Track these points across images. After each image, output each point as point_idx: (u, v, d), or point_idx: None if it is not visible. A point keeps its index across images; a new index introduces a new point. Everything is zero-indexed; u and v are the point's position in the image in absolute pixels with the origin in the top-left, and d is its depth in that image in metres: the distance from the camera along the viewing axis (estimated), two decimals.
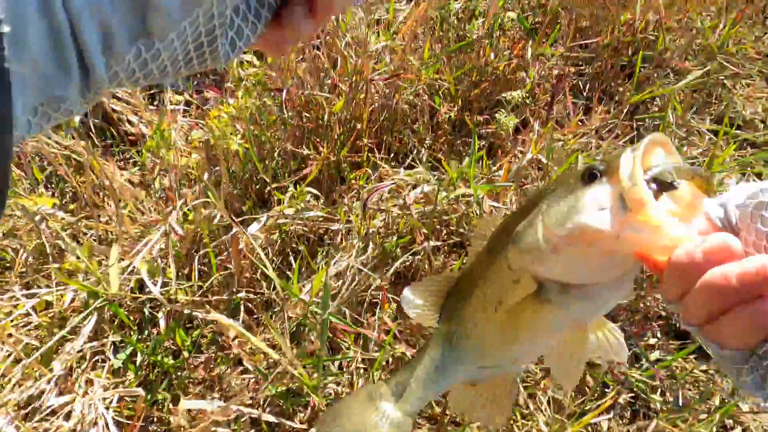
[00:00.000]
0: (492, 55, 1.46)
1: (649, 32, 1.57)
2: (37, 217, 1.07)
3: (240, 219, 1.15)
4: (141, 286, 1.14)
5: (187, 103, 1.46)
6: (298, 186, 1.18)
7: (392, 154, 1.43)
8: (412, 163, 1.37)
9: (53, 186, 1.30)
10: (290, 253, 1.26)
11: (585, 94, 1.63)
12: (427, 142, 1.44)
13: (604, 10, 1.60)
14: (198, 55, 0.33)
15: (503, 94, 1.31)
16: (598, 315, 0.51)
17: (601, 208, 0.41)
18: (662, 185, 0.40)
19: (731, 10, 1.64)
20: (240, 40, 0.35)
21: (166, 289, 1.07)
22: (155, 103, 1.51)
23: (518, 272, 0.50)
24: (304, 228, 1.22)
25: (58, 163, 1.13)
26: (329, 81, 1.37)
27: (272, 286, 1.12)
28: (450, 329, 0.62)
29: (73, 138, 1.16)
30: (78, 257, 1.04)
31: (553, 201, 0.46)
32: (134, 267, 1.03)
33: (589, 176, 0.43)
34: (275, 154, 1.36)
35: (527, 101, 1.31)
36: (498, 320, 0.54)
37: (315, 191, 1.23)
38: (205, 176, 1.05)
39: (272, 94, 1.27)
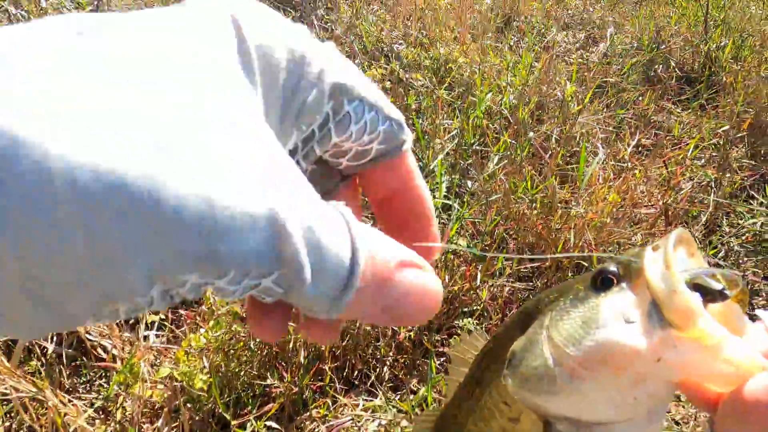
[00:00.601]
0: (446, 278, 1.61)
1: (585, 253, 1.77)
2: None
3: None
4: None
5: (161, 325, 1.54)
6: (258, 421, 1.21)
7: (355, 373, 1.48)
8: (372, 389, 1.42)
9: (12, 416, 1.30)
10: None
11: None
12: (388, 360, 1.51)
13: (544, 232, 1.82)
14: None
15: (456, 321, 1.42)
16: None
17: (628, 321, 0.33)
18: (709, 293, 0.31)
19: (656, 233, 1.88)
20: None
21: None
22: (130, 322, 1.58)
23: (516, 407, 0.40)
24: None
25: (21, 405, 1.15)
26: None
27: None
28: None
29: (40, 375, 1.19)
30: None
31: (560, 312, 0.36)
32: None
33: (602, 281, 0.35)
34: (241, 374, 1.40)
35: (479, 327, 1.42)
36: None
37: (276, 425, 1.25)
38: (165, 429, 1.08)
39: (243, 322, 1.36)
